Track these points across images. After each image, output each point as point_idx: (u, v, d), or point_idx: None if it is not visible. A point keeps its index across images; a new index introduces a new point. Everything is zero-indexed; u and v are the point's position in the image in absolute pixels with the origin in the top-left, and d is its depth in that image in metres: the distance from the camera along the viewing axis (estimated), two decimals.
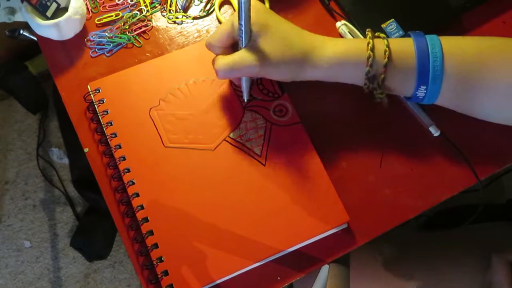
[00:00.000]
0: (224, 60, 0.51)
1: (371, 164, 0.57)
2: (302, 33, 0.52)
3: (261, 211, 0.54)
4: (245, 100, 0.57)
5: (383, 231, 0.55)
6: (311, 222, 0.54)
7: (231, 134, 0.57)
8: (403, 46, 0.51)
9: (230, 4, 0.65)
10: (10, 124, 1.36)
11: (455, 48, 0.50)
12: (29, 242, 1.30)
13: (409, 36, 0.52)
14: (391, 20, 0.60)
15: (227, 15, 0.64)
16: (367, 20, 0.61)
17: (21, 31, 0.96)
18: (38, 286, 1.28)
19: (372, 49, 0.50)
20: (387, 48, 0.50)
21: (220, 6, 0.65)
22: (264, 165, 0.56)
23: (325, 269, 0.54)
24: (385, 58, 0.50)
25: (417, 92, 0.51)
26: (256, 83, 0.59)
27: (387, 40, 0.51)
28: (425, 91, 0.51)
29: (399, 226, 0.56)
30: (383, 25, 0.60)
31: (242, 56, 0.50)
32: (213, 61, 0.52)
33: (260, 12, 0.50)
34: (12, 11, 0.61)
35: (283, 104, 0.58)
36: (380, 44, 0.51)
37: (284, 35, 0.50)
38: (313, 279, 0.53)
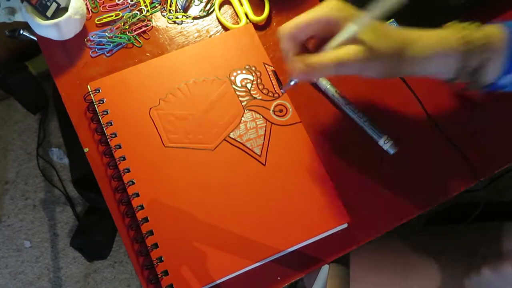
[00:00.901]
0: (328, 56, 0.45)
1: (371, 164, 0.57)
2: (394, 27, 0.49)
3: (261, 211, 0.54)
4: (282, 92, 0.58)
5: (383, 231, 0.55)
6: (311, 222, 0.54)
7: (231, 134, 0.57)
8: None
9: (230, 4, 0.65)
10: (10, 124, 1.36)
11: None
12: (29, 242, 1.30)
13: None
14: (391, 20, 0.60)
15: (227, 15, 0.64)
16: None
17: (21, 31, 0.96)
18: (38, 286, 1.28)
19: (469, 41, 0.47)
20: (484, 38, 0.47)
21: (220, 6, 0.65)
22: (264, 165, 0.56)
23: (325, 269, 0.54)
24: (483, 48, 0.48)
25: (501, 81, 0.50)
26: (256, 83, 0.59)
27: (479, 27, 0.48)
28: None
29: (399, 226, 0.56)
30: None
31: (353, 51, 0.45)
32: (301, 60, 0.46)
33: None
34: (12, 11, 0.61)
35: (283, 104, 0.58)
36: (475, 33, 0.48)
37: (385, 28, 0.47)
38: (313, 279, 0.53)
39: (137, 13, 0.63)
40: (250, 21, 0.63)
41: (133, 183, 0.55)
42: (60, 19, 0.58)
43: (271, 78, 0.59)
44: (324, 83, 0.59)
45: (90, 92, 0.58)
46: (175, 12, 0.64)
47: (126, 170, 0.55)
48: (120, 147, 0.56)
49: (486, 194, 0.57)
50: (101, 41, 0.62)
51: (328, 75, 0.47)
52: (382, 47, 0.46)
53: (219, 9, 0.64)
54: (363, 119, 0.57)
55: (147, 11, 0.64)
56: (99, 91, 0.58)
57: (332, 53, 0.46)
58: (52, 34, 0.60)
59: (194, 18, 0.64)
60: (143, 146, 0.56)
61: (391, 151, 0.57)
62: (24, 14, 0.59)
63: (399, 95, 0.59)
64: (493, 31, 0.49)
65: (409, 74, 0.50)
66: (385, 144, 0.56)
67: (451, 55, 0.49)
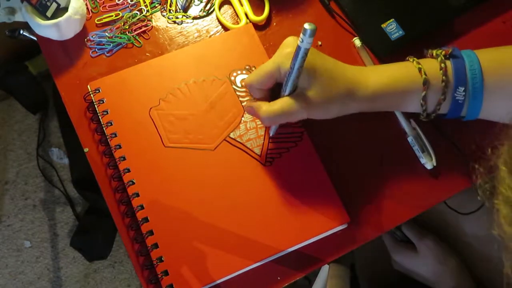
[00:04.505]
0: (272, 109, 0.49)
1: (371, 164, 0.57)
2: (345, 69, 0.50)
3: (261, 211, 0.54)
4: (271, 135, 0.57)
5: (383, 231, 0.55)
6: (311, 222, 0.54)
7: (231, 134, 0.57)
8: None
9: (230, 4, 0.65)
10: (10, 124, 1.36)
11: (493, 62, 0.50)
12: (29, 242, 1.30)
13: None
14: (391, 20, 0.60)
15: (227, 15, 0.64)
16: (367, 20, 0.61)
17: (21, 31, 0.95)
18: (38, 286, 1.28)
19: (425, 73, 0.50)
20: (442, 67, 0.50)
21: (220, 6, 0.65)
22: (264, 165, 0.56)
23: (325, 269, 0.54)
24: (441, 82, 0.50)
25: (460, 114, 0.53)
26: None
27: (442, 60, 0.50)
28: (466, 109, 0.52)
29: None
30: (383, 25, 0.60)
31: (290, 104, 0.48)
32: (255, 108, 0.50)
33: (308, 55, 0.46)
34: (12, 11, 0.61)
35: None
36: (432, 64, 0.51)
37: (329, 76, 0.48)
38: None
39: (137, 13, 0.63)
40: (250, 21, 0.63)
41: (133, 183, 0.55)
42: (60, 19, 0.58)
43: None
44: None
45: (90, 92, 0.58)
46: (175, 12, 0.64)
47: (126, 170, 0.55)
48: (120, 147, 0.56)
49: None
50: (101, 41, 0.62)
51: (286, 121, 0.51)
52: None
53: (219, 9, 0.64)
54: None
55: (147, 11, 0.64)
56: (99, 91, 0.58)
57: (274, 105, 0.49)
58: (52, 34, 0.60)
59: (194, 18, 0.64)
60: (143, 146, 0.56)
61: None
62: (24, 14, 0.59)
63: None
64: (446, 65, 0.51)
65: (358, 111, 0.53)
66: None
67: (404, 90, 0.50)
